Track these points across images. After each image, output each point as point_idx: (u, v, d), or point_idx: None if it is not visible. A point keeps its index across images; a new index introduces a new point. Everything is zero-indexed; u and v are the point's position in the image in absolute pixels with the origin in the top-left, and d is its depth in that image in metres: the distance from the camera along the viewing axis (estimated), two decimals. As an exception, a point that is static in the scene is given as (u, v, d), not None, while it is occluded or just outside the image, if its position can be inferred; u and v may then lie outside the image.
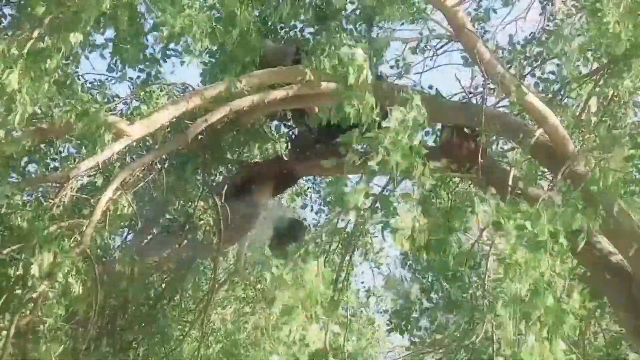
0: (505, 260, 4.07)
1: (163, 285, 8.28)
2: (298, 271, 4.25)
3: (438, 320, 7.18)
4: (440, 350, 8.00)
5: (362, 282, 10.09)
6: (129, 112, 6.36)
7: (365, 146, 4.37)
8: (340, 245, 7.20)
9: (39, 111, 5.01)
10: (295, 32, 6.45)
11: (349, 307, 8.50)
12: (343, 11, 6.27)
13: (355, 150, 4.29)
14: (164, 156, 6.66)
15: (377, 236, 9.16)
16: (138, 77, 6.30)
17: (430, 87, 6.31)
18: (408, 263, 7.35)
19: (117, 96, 6.53)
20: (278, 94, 6.17)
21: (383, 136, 4.16)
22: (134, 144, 6.22)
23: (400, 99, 4.34)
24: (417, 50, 6.82)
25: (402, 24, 6.26)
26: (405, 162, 4.19)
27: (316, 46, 6.00)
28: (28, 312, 5.68)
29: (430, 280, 7.09)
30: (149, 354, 8.01)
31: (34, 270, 5.32)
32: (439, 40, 7.50)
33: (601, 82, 6.04)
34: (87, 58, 5.83)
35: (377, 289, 9.88)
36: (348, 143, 4.38)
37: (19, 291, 5.63)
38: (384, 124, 4.26)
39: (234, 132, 7.02)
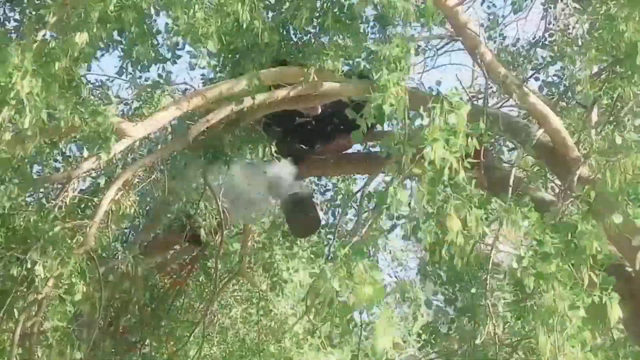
0: (543, 274, 4.09)
1: (167, 285, 8.31)
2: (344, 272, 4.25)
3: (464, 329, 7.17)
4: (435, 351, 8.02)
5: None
6: (130, 112, 6.35)
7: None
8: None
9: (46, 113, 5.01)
10: (310, 37, 6.41)
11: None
12: (361, 15, 6.25)
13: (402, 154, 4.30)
14: (165, 156, 6.67)
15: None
16: (140, 77, 6.29)
17: (438, 92, 6.30)
18: (426, 272, 7.33)
19: (118, 96, 6.53)
20: (280, 93, 6.18)
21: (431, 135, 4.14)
22: (137, 144, 6.24)
23: (435, 105, 4.33)
24: (419, 50, 6.82)
25: (411, 24, 6.23)
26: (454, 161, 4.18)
27: (320, 46, 5.99)
28: (33, 313, 5.71)
29: (452, 289, 7.09)
30: (153, 354, 8.04)
31: (39, 271, 5.34)
32: (439, 40, 7.48)
33: (606, 84, 6.04)
34: (98, 59, 5.82)
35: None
36: (387, 146, 4.41)
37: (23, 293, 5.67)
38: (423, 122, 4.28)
39: (235, 133, 7.03)
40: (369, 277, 4.32)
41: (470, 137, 4.40)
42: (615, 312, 4.30)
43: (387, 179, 6.31)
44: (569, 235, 4.26)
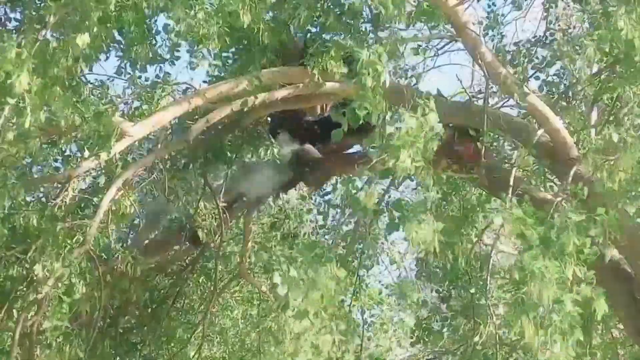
0: (526, 269, 4.07)
1: (167, 286, 8.29)
2: (310, 273, 4.27)
3: (461, 329, 7.17)
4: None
5: (380, 281, 10.11)
6: (130, 112, 6.35)
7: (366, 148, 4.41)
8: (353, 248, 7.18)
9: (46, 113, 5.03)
10: (311, 37, 6.40)
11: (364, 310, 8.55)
12: (359, 13, 6.24)
13: (373, 152, 4.29)
14: (165, 156, 6.67)
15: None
16: (140, 77, 6.29)
17: (439, 92, 6.29)
18: (423, 271, 7.34)
19: (119, 96, 6.53)
20: (280, 93, 6.18)
21: (396, 142, 4.12)
22: (137, 143, 6.24)
23: (413, 104, 4.32)
24: (419, 50, 6.82)
25: (410, 25, 6.22)
26: (414, 168, 4.15)
27: (321, 46, 5.98)
28: (33, 313, 5.71)
29: (448, 288, 7.09)
30: (153, 355, 8.02)
31: (38, 270, 5.34)
32: (439, 40, 7.48)
33: (606, 83, 6.03)
34: (102, 59, 5.84)
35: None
36: (369, 145, 4.41)
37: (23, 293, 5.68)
38: (390, 127, 4.26)
39: (235, 133, 7.03)
40: (325, 280, 4.32)
41: (429, 143, 4.33)
42: (602, 306, 4.29)
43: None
44: (551, 231, 4.24)
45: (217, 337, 9.39)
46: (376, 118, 4.56)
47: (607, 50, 5.56)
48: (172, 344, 8.56)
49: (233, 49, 6.41)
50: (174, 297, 8.37)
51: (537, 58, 7.05)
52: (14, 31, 5.91)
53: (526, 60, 6.96)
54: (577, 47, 6.43)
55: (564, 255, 4.16)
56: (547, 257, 4.13)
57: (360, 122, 4.62)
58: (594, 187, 5.06)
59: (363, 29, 6.21)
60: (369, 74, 4.53)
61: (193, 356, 8.51)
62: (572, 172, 5.44)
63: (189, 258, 8.29)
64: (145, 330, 7.92)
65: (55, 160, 6.41)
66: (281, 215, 8.87)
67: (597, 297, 4.24)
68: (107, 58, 6.00)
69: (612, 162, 4.91)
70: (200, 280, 8.92)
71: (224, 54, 6.37)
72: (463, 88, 6.49)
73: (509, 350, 6.76)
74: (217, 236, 7.11)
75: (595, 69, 6.52)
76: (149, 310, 8.01)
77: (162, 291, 8.41)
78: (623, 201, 4.74)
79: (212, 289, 8.42)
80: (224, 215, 7.01)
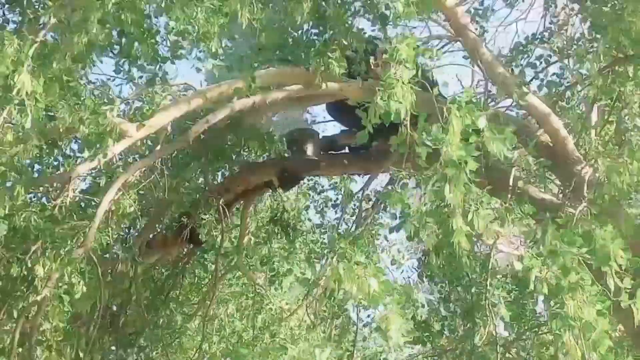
0: (563, 281, 4.03)
1: (163, 278, 8.31)
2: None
3: (459, 329, 7.18)
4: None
5: None
6: (130, 112, 6.34)
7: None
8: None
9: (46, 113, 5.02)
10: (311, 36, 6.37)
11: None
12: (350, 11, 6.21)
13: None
14: (166, 156, 6.67)
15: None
16: (141, 77, 6.27)
17: (446, 86, 6.24)
18: (424, 271, 7.35)
19: (119, 96, 6.51)
20: (280, 94, 6.16)
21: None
22: (138, 143, 6.24)
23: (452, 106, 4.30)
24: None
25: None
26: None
27: (324, 47, 5.96)
28: (33, 313, 5.71)
29: (447, 288, 7.10)
30: (150, 345, 8.03)
31: (38, 271, 5.34)
32: (439, 40, 7.49)
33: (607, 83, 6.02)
34: (100, 62, 5.82)
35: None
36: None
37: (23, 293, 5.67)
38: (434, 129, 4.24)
39: (235, 132, 7.03)
40: (372, 269, 4.32)
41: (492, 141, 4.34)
42: None
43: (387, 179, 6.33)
44: (589, 243, 4.20)
45: (214, 330, 9.41)
46: (405, 112, 4.51)
47: (612, 50, 5.55)
48: (168, 334, 8.57)
49: (232, 49, 6.39)
50: (169, 288, 8.39)
51: (537, 60, 7.05)
52: (13, 33, 5.89)
53: (525, 61, 6.96)
54: (576, 47, 6.44)
55: (606, 266, 4.13)
56: (584, 271, 4.09)
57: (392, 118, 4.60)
58: (603, 191, 5.07)
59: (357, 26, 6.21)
60: (403, 64, 4.48)
61: (196, 351, 8.52)
62: (587, 177, 5.42)
63: (185, 251, 8.29)
64: (141, 321, 7.92)
65: (56, 160, 6.41)
66: (278, 210, 8.87)
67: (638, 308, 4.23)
68: (115, 59, 5.98)
69: (620, 165, 4.90)
70: (197, 272, 8.94)
71: (223, 54, 6.35)
72: (463, 88, 6.49)
73: (503, 351, 6.79)
74: (217, 235, 7.10)
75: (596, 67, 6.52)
76: (145, 301, 8.01)
77: (158, 282, 8.43)
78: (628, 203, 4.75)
79: (211, 282, 8.41)
80: (224, 214, 7.01)
